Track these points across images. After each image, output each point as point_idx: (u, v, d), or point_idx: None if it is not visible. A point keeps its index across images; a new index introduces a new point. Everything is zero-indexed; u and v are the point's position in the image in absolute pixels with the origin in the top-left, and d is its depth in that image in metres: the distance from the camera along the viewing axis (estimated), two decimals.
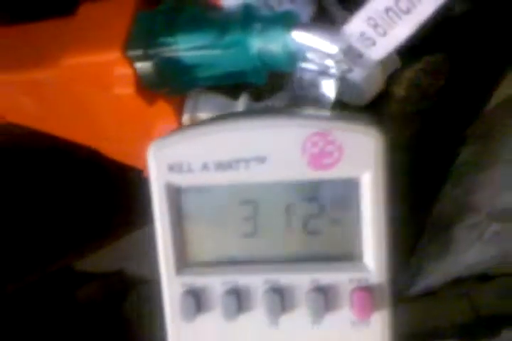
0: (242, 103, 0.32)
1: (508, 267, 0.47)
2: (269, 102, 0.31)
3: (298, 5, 0.29)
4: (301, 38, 0.27)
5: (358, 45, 0.27)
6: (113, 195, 0.46)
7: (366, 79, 0.28)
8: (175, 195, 0.25)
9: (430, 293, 0.46)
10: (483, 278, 0.48)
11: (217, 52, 0.29)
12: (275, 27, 0.28)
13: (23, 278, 0.46)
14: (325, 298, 0.25)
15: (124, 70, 0.29)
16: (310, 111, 0.27)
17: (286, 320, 0.25)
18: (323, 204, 0.25)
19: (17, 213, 0.43)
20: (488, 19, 0.36)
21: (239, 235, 0.26)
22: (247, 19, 0.28)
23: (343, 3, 0.31)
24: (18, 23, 0.33)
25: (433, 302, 0.47)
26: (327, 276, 0.25)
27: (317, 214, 0.25)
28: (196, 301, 0.25)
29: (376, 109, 0.33)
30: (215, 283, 0.26)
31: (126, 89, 0.30)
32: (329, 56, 0.27)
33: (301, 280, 0.25)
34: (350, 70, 0.28)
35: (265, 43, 0.28)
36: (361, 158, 0.24)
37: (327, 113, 0.27)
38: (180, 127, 0.31)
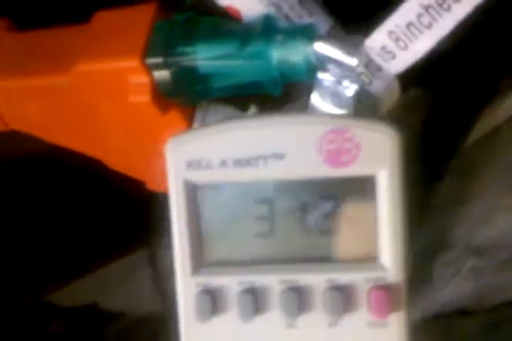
0: (251, 115, 0.32)
1: (485, 303, 0.48)
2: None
3: (316, 18, 0.30)
4: (323, 49, 0.28)
5: (378, 59, 0.28)
6: (94, 224, 0.46)
7: (384, 92, 0.28)
8: (192, 192, 0.25)
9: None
10: (463, 313, 0.48)
11: (236, 62, 0.29)
12: (297, 39, 0.28)
13: None
14: (342, 298, 0.25)
15: (141, 78, 0.29)
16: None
17: (303, 320, 0.25)
18: (340, 203, 0.25)
19: None
20: (469, 56, 0.37)
21: (255, 234, 0.25)
22: (267, 30, 0.28)
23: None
24: (32, 30, 0.33)
25: (413, 337, 0.48)
26: (344, 276, 0.25)
27: (333, 213, 0.25)
28: (212, 301, 0.25)
29: None
30: (231, 283, 0.25)
31: (142, 97, 0.29)
32: (349, 68, 0.28)
33: (317, 280, 0.25)
34: (369, 83, 0.28)
35: (286, 55, 0.28)
36: (378, 156, 0.24)
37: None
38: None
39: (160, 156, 0.33)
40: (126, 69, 0.29)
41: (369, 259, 0.25)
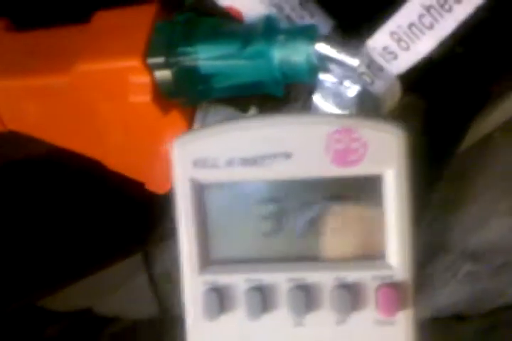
0: (251, 115, 0.32)
1: (481, 308, 0.48)
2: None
3: (317, 20, 0.30)
4: (324, 50, 0.28)
5: (380, 59, 0.28)
6: (89, 229, 0.45)
7: (386, 92, 0.28)
8: (199, 191, 0.25)
9: None
10: (459, 318, 0.48)
11: (238, 62, 0.29)
12: (298, 39, 0.28)
13: None
14: (350, 297, 0.25)
15: (142, 78, 0.29)
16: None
17: (311, 319, 0.25)
18: (346, 202, 0.25)
19: None
20: (461, 63, 0.37)
21: (262, 233, 0.25)
22: (269, 31, 0.28)
23: None
24: (30, 30, 0.33)
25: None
26: (351, 274, 0.25)
27: (340, 212, 0.25)
28: (219, 300, 0.25)
29: None
30: (239, 282, 0.25)
31: (143, 97, 0.29)
32: (351, 69, 0.28)
33: (325, 278, 0.25)
34: (371, 83, 0.28)
35: (288, 55, 0.28)
36: (385, 155, 0.24)
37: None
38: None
39: (160, 157, 0.33)
40: (127, 69, 0.29)
41: (376, 258, 0.25)
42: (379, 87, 0.28)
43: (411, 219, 0.25)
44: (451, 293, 0.48)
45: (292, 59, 0.28)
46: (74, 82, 0.30)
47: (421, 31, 0.27)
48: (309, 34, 0.28)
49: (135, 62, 0.29)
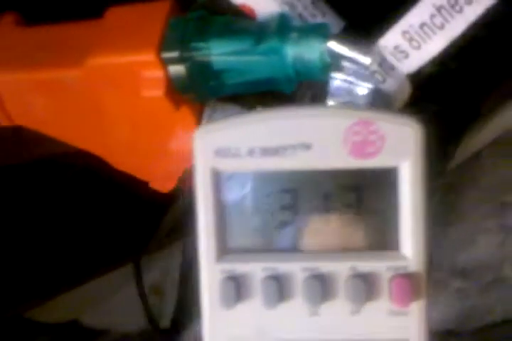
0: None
1: (470, 325, 0.48)
2: None
3: (329, 19, 0.30)
4: (337, 48, 0.28)
5: (391, 58, 0.29)
6: (77, 240, 0.45)
7: (397, 90, 0.29)
8: (219, 180, 0.26)
9: None
10: (449, 334, 0.49)
11: (251, 58, 0.29)
12: (311, 37, 0.28)
13: None
14: (364, 287, 0.25)
15: (155, 72, 0.29)
16: None
17: (326, 308, 0.25)
18: (363, 193, 0.26)
19: None
20: (450, 79, 0.38)
21: (279, 223, 0.26)
22: (282, 28, 0.29)
23: None
24: (40, 24, 0.33)
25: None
26: (366, 264, 0.25)
27: (356, 203, 0.26)
28: (236, 288, 0.25)
29: None
30: (256, 271, 0.25)
31: (156, 92, 0.30)
32: (363, 67, 0.28)
33: (340, 268, 0.25)
34: (383, 81, 0.29)
35: (301, 52, 0.28)
36: (402, 147, 0.25)
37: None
38: None
39: (166, 154, 0.34)
40: (140, 64, 0.29)
41: (391, 248, 0.25)
42: (390, 85, 0.29)
43: (425, 211, 0.25)
44: (441, 310, 0.49)
45: (305, 56, 0.28)
46: (85, 76, 0.30)
47: (432, 31, 0.28)
48: (322, 32, 0.29)
49: (149, 57, 0.29)
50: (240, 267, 0.25)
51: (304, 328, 0.26)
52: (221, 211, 0.26)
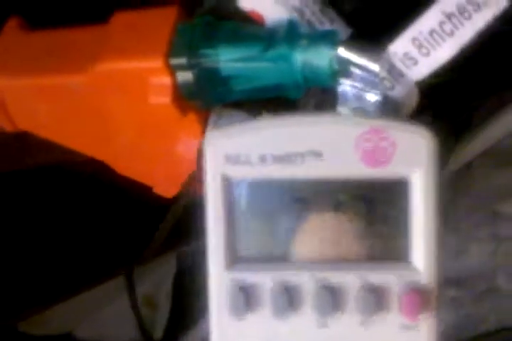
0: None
1: (465, 334, 0.48)
2: None
3: (337, 25, 0.30)
4: (346, 55, 0.28)
5: (400, 64, 0.29)
6: (70, 251, 0.45)
7: (405, 97, 0.29)
8: (229, 187, 0.25)
9: None
10: None
11: (259, 65, 0.29)
12: (320, 43, 0.28)
13: None
14: (374, 299, 0.25)
15: (163, 79, 0.29)
16: None
17: (335, 320, 0.25)
18: (374, 203, 0.25)
19: None
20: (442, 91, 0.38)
21: (289, 232, 0.26)
22: (291, 35, 0.29)
23: None
24: (45, 29, 0.33)
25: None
26: (377, 276, 0.25)
27: (367, 213, 0.25)
28: (246, 298, 0.25)
29: None
30: (266, 280, 0.25)
31: (163, 99, 0.29)
32: (372, 74, 0.28)
33: (351, 279, 0.25)
34: (391, 88, 0.29)
35: (310, 59, 0.28)
36: (413, 157, 0.25)
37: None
38: None
39: (170, 159, 0.33)
40: (148, 70, 0.29)
41: (402, 260, 0.25)
42: (399, 92, 0.29)
43: (438, 222, 0.25)
44: None
45: (314, 63, 0.28)
46: (91, 81, 0.30)
47: (442, 38, 0.28)
48: (331, 39, 0.28)
49: (157, 63, 0.29)
50: (250, 276, 0.25)
51: (313, 339, 0.25)
52: (231, 218, 0.25)
